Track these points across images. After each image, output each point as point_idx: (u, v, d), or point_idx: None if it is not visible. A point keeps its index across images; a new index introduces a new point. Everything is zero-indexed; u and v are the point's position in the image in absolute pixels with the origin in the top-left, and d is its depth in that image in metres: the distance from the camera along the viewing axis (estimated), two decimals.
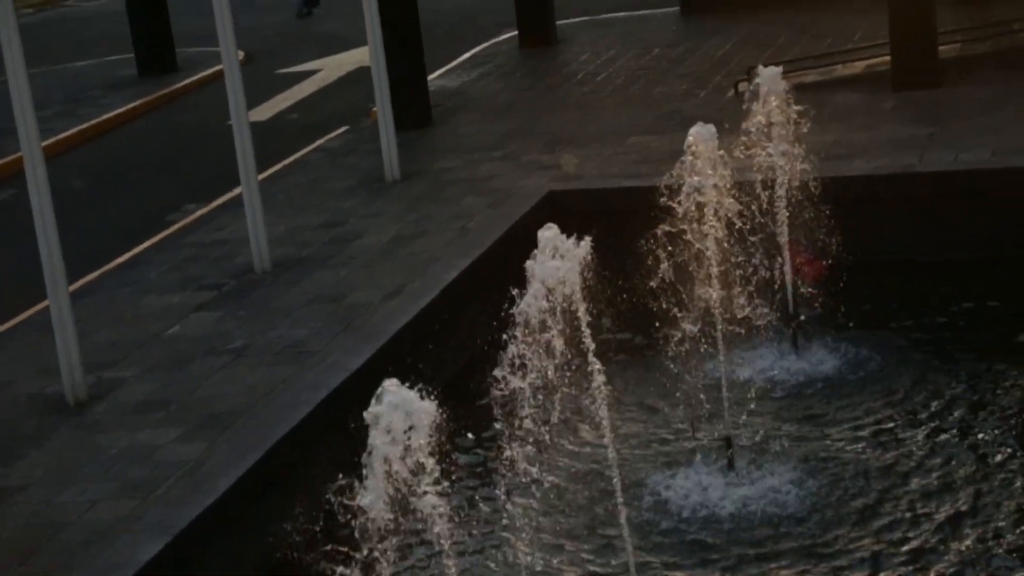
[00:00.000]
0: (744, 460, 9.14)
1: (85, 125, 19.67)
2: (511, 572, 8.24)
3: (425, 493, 5.65)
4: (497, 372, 6.83)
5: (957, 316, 11.43)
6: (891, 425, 9.67)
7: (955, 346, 10.87)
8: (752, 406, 9.80)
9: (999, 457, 9.09)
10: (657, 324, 9.80)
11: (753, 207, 10.15)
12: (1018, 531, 8.19)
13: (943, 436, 9.46)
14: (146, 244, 13.60)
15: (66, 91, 22.11)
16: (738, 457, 9.12)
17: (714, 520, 8.57)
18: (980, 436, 9.42)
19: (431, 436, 5.56)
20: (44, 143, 10.40)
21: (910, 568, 7.95)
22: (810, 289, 11.03)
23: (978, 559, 7.96)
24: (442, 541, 5.79)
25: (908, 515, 8.50)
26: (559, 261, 6.99)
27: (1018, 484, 8.71)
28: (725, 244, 9.38)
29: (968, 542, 8.13)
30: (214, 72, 21.31)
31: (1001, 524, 8.27)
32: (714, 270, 9.23)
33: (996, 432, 9.44)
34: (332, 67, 22.42)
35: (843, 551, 8.17)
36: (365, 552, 5.77)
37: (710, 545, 8.35)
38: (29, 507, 8.54)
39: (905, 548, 8.15)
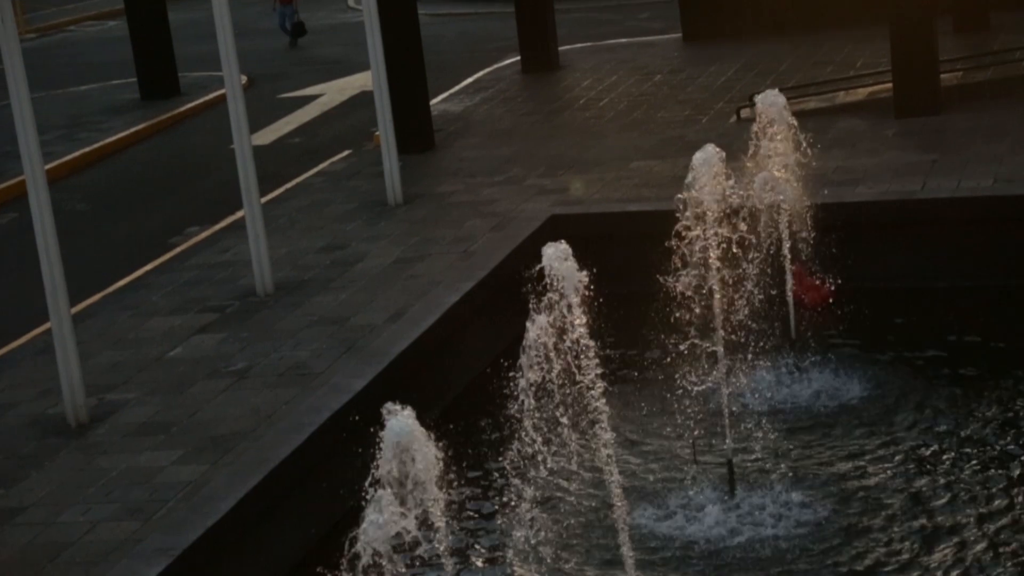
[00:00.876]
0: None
1: (88, 149, 19.70)
2: None
3: None
4: None
5: (956, 343, 11.43)
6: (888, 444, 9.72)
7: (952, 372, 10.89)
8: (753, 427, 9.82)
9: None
10: (661, 345, 9.85)
11: (755, 233, 10.17)
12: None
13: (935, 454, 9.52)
14: (148, 266, 13.60)
15: (69, 115, 22.15)
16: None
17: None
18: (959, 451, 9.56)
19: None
20: (47, 166, 10.41)
21: None
22: (812, 313, 11.04)
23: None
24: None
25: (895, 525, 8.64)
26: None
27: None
28: (728, 269, 9.40)
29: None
30: (217, 96, 21.38)
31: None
32: (716, 295, 9.23)
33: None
34: (335, 91, 22.48)
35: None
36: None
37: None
38: (31, 528, 8.52)
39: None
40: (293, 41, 27.77)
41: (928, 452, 9.60)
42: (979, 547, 8.35)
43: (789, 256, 10.77)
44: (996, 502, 8.83)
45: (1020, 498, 8.84)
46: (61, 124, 21.39)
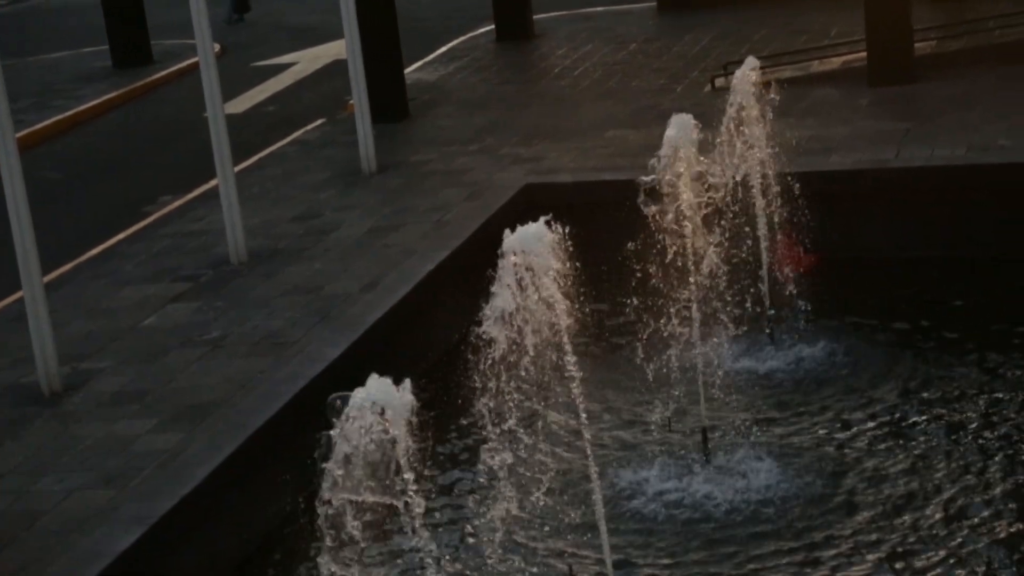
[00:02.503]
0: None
1: (60, 116, 19.58)
2: None
3: None
4: None
5: (934, 313, 11.49)
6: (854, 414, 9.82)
7: (929, 342, 10.95)
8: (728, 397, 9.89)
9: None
10: (632, 315, 9.86)
11: (729, 201, 10.19)
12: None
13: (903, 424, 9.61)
14: (121, 235, 13.56)
15: (40, 83, 22.00)
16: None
17: None
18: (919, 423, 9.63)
19: None
20: (18, 134, 10.36)
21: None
22: (788, 282, 11.10)
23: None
24: None
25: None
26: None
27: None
28: (702, 239, 9.42)
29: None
30: (190, 64, 21.26)
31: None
32: (691, 265, 9.27)
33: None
34: (309, 60, 22.38)
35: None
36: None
37: None
38: (5, 497, 8.51)
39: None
40: (230, 19, 26.12)
41: (896, 419, 9.69)
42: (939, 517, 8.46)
43: (766, 223, 10.81)
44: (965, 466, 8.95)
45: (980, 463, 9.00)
46: (33, 92, 21.23)
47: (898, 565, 7.94)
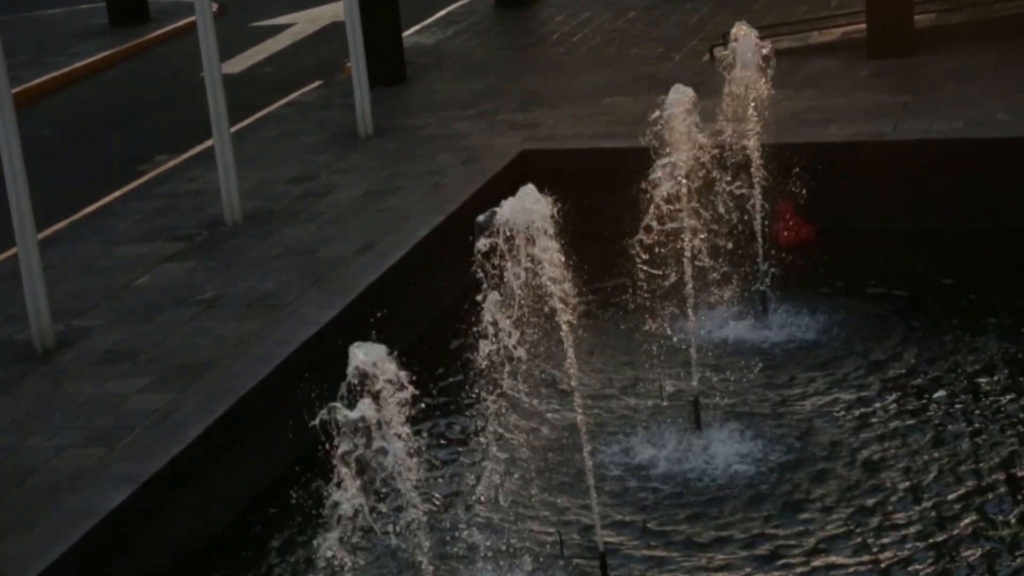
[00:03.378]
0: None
1: (56, 74, 19.51)
2: None
3: None
4: None
5: (926, 285, 11.51)
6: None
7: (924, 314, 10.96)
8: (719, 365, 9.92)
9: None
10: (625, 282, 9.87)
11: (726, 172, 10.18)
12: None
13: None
14: (116, 194, 13.52)
15: (36, 40, 21.90)
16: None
17: None
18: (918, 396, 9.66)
19: None
20: (13, 91, 10.31)
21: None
22: (784, 253, 11.11)
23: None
24: None
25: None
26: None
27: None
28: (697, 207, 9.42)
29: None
30: (187, 23, 21.18)
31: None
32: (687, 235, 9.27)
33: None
34: (307, 21, 22.30)
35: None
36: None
37: None
38: None
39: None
40: None
41: (891, 393, 9.71)
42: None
43: (761, 194, 10.81)
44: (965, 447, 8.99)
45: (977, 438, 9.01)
46: (28, 48, 21.15)
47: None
